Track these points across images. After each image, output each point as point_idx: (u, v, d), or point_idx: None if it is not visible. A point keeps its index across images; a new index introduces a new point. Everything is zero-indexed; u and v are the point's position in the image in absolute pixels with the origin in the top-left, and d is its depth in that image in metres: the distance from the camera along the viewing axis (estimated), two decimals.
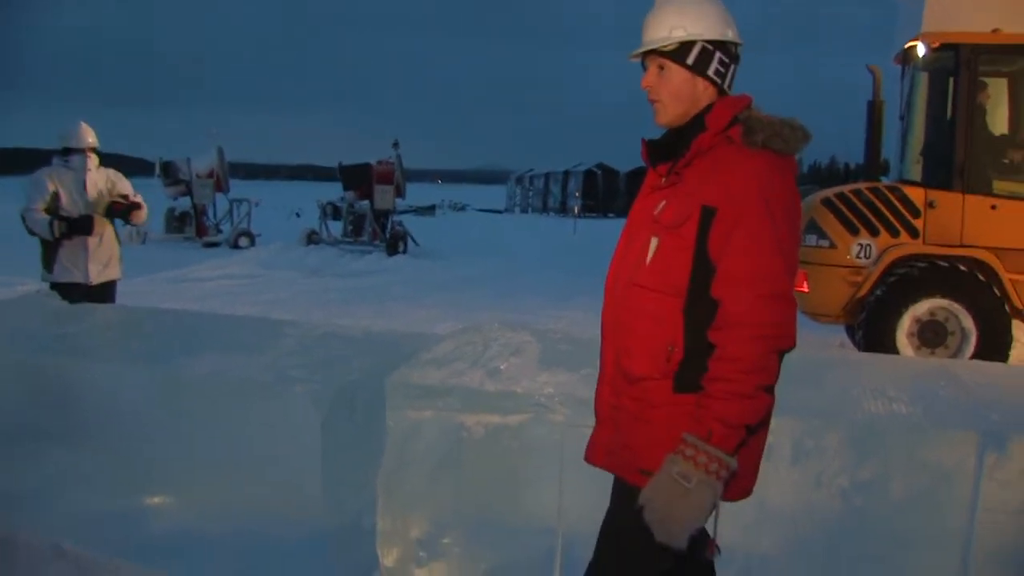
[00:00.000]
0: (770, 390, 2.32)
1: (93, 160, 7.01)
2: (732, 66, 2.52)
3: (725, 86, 2.52)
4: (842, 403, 3.68)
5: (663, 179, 2.54)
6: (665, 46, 2.49)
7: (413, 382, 3.73)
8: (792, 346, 2.33)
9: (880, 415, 3.57)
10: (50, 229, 6.73)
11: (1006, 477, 3.33)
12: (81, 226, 6.84)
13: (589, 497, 2.88)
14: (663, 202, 2.48)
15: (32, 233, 6.83)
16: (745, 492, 2.52)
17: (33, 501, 4.06)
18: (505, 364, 3.85)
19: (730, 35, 2.50)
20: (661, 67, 2.52)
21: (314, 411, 3.60)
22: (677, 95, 2.51)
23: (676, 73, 2.50)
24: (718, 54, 2.48)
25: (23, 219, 6.80)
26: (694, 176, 2.42)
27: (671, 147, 2.53)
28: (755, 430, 2.37)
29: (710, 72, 2.48)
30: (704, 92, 2.50)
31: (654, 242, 2.45)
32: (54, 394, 4.16)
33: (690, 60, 2.48)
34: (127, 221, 7.28)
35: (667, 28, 2.49)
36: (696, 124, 2.47)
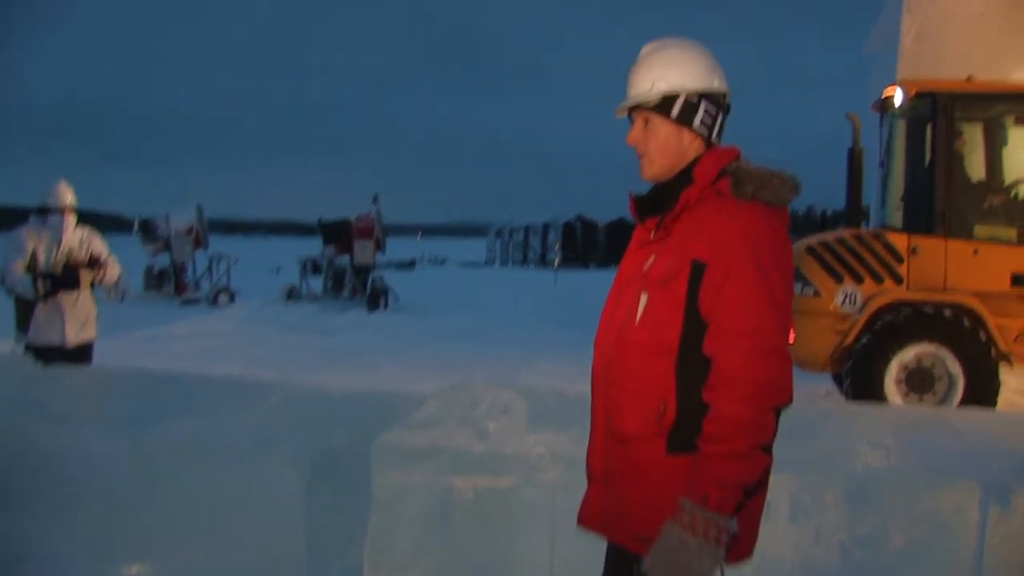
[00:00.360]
0: (768, 449, 2.23)
1: (71, 220, 6.90)
2: (720, 115, 2.47)
3: (713, 137, 2.46)
4: (839, 456, 3.62)
5: (652, 234, 2.47)
6: (648, 100, 2.44)
7: (399, 444, 3.64)
8: (788, 402, 2.24)
9: (878, 467, 3.52)
10: (34, 288, 6.60)
11: (1010, 530, 3.27)
12: (66, 280, 6.72)
13: (582, 561, 2.79)
14: (652, 257, 2.42)
15: (12, 292, 6.69)
16: (745, 554, 2.43)
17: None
18: (493, 424, 3.77)
19: (716, 85, 2.45)
20: (646, 121, 2.47)
21: (295, 476, 3.51)
22: (663, 149, 2.45)
23: (661, 126, 2.45)
24: (704, 104, 2.43)
25: (1, 279, 6.66)
26: (683, 230, 2.36)
27: (659, 201, 2.47)
28: (753, 491, 2.27)
29: (695, 124, 2.43)
30: (691, 144, 2.45)
31: (644, 298, 2.38)
32: (23, 462, 4.03)
33: (674, 113, 2.43)
34: (95, 284, 7.13)
35: (649, 81, 2.44)
36: (684, 177, 2.41)
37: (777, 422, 2.24)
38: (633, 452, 2.37)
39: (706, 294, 2.27)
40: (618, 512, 2.42)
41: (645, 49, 2.52)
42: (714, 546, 2.15)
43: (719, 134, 2.48)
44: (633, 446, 2.37)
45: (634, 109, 2.49)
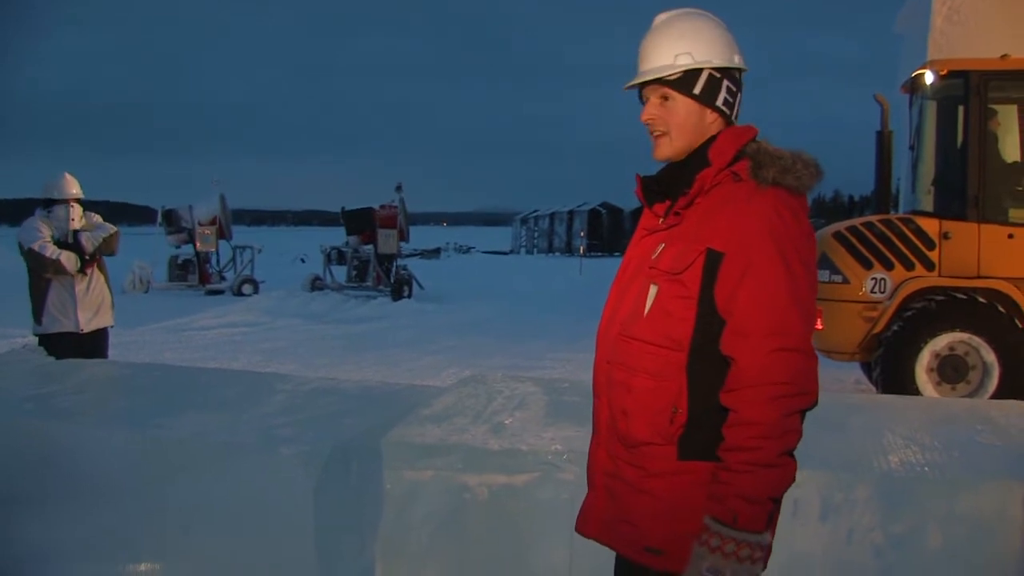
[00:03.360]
0: (793, 454, 2.06)
1: (76, 211, 6.90)
2: (739, 94, 2.29)
3: (733, 116, 2.29)
4: (872, 452, 3.46)
5: (661, 219, 2.29)
6: (669, 75, 2.25)
7: (412, 440, 3.53)
8: (814, 404, 2.07)
9: (913, 464, 3.36)
10: (80, 261, 6.68)
11: None
12: (77, 247, 6.77)
13: (602, 564, 2.64)
14: (662, 245, 2.23)
15: (49, 271, 6.64)
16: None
17: (6, 573, 3.82)
18: (510, 419, 3.64)
19: (736, 60, 2.28)
20: (665, 97, 2.27)
21: (304, 474, 3.38)
22: (683, 128, 2.26)
23: (683, 104, 2.25)
24: (726, 82, 2.25)
25: (36, 258, 6.60)
26: (696, 216, 2.18)
27: (668, 184, 2.30)
28: (780, 501, 2.10)
29: (719, 102, 2.25)
30: (712, 124, 2.26)
31: (653, 290, 2.19)
32: (29, 458, 3.94)
33: (697, 89, 2.24)
34: (108, 252, 7.09)
35: (671, 55, 2.25)
36: (698, 158, 2.23)
37: (802, 425, 2.07)
38: (639, 458, 2.20)
39: (723, 288, 2.09)
40: (623, 522, 2.25)
41: (660, 18, 2.33)
42: (749, 565, 1.99)
43: (738, 114, 2.31)
44: (640, 452, 2.20)
45: (648, 84, 2.29)
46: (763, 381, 2.00)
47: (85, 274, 6.79)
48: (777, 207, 2.10)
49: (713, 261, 2.10)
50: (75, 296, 6.74)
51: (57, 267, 6.62)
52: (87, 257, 6.81)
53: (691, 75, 2.24)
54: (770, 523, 2.04)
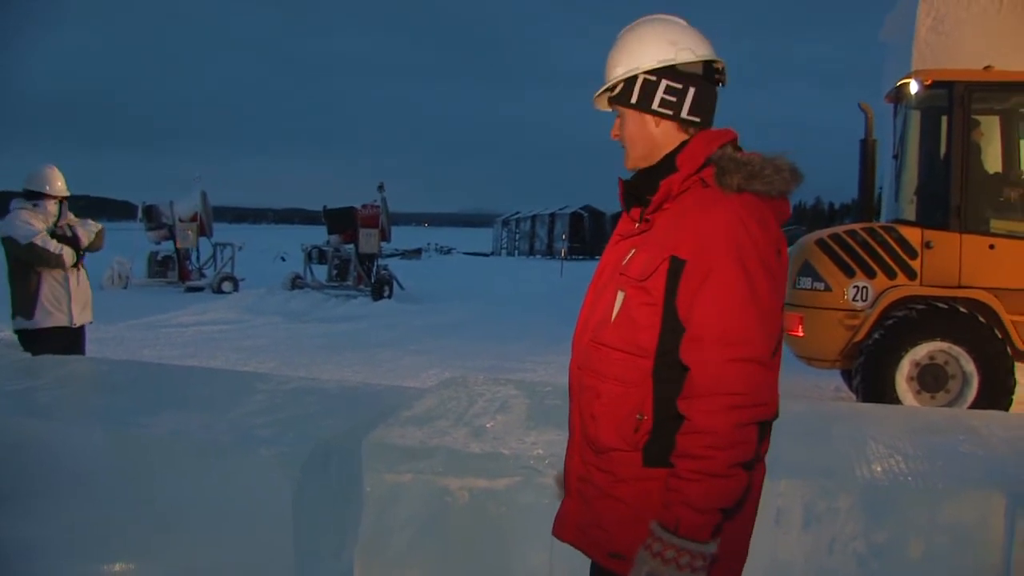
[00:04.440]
0: (748, 466, 2.02)
1: (64, 208, 6.83)
2: (690, 89, 2.21)
3: (684, 114, 2.21)
4: (854, 461, 3.45)
5: (636, 224, 2.27)
6: (613, 91, 2.27)
7: (392, 442, 3.49)
8: (772, 416, 2.05)
9: (896, 473, 3.35)
10: (76, 255, 6.68)
11: None
12: (73, 241, 6.75)
13: (580, 566, 2.61)
14: (632, 251, 2.21)
15: (49, 265, 6.57)
16: (733, 574, 2.23)
17: None
18: (491, 422, 3.61)
19: (675, 56, 2.22)
20: (619, 112, 2.29)
21: (283, 475, 3.34)
22: (633, 139, 2.27)
23: (628, 116, 2.26)
24: (665, 82, 2.20)
25: (38, 252, 6.50)
26: (664, 223, 2.15)
27: (641, 189, 2.27)
28: (734, 511, 2.08)
29: (655, 105, 2.21)
30: (659, 128, 2.24)
31: (620, 296, 2.17)
32: (6, 454, 3.88)
33: (633, 98, 2.23)
34: (96, 248, 7.03)
35: (610, 69, 2.28)
36: (667, 165, 2.20)
37: (762, 437, 2.04)
38: (607, 463, 2.18)
39: (684, 296, 2.07)
40: (594, 526, 2.24)
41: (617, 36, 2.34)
42: (689, 573, 1.96)
43: (696, 110, 2.22)
44: (608, 457, 2.18)
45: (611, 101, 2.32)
46: (717, 391, 1.98)
47: (79, 268, 6.77)
48: (741, 215, 2.07)
49: (676, 268, 2.08)
50: (69, 290, 6.70)
51: (59, 261, 6.57)
52: (82, 252, 6.79)
53: (628, 85, 2.24)
54: (716, 534, 2.01)
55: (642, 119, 2.24)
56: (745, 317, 2.01)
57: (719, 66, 2.27)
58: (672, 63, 2.21)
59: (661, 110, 2.21)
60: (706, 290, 2.03)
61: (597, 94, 2.33)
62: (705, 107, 2.24)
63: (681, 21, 2.29)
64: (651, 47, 2.22)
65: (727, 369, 1.98)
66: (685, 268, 2.06)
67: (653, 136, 2.24)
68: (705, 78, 2.24)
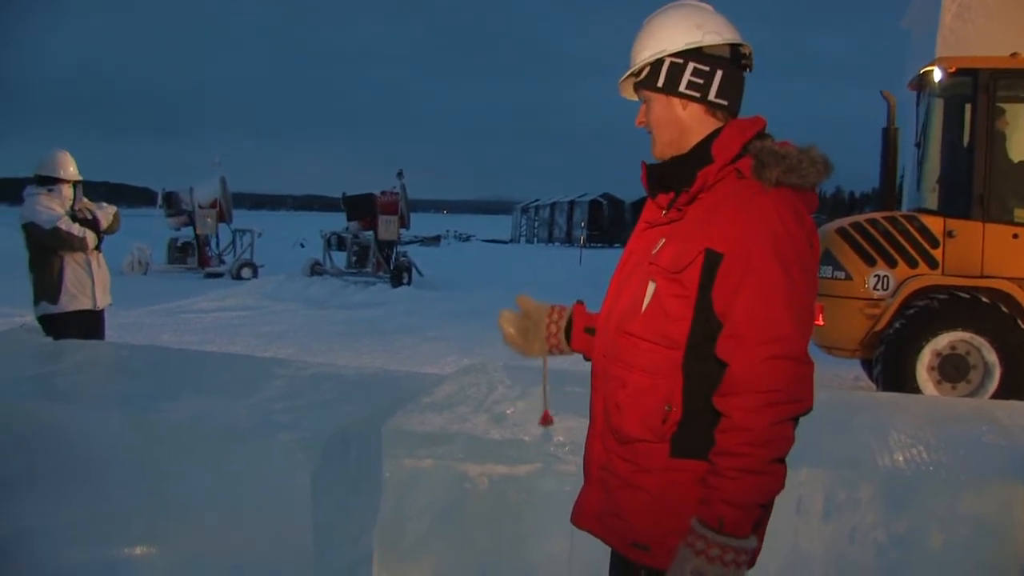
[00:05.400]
0: (783, 461, 2.03)
1: (79, 192, 6.89)
2: (717, 72, 2.20)
3: (711, 96, 2.20)
4: (876, 450, 3.43)
5: (663, 212, 2.25)
6: (638, 75, 2.26)
7: (412, 428, 3.49)
8: (807, 411, 2.04)
9: (917, 463, 3.33)
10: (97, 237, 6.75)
11: None
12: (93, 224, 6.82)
13: (601, 555, 2.60)
14: (662, 240, 2.19)
15: (74, 248, 6.62)
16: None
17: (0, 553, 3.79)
18: (511, 408, 3.61)
19: (702, 38, 2.20)
20: (645, 98, 2.28)
21: (302, 460, 3.34)
22: (660, 123, 2.25)
23: (655, 100, 2.25)
24: (692, 64, 2.19)
25: (62, 236, 6.54)
26: (698, 214, 2.13)
27: (671, 177, 2.25)
28: (770, 506, 2.08)
29: (682, 87, 2.20)
30: (686, 112, 2.22)
31: (651, 287, 2.16)
32: (25, 439, 3.89)
33: (660, 82, 2.22)
34: (112, 231, 7.10)
35: (635, 54, 2.27)
36: (701, 153, 2.18)
37: (794, 432, 2.04)
38: (632, 453, 2.17)
39: (721, 290, 2.06)
40: (614, 515, 2.24)
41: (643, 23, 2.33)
42: (734, 569, 1.97)
43: (723, 92, 2.21)
44: (632, 447, 2.17)
45: (636, 88, 2.30)
46: (756, 388, 1.98)
47: (99, 251, 6.83)
48: (779, 209, 2.06)
49: (712, 262, 2.07)
50: (92, 273, 6.76)
51: (83, 244, 6.62)
52: (101, 234, 6.85)
53: (655, 69, 2.22)
54: (756, 528, 2.02)
55: (669, 102, 2.23)
56: (784, 314, 2.01)
57: (746, 51, 2.25)
58: (699, 45, 2.20)
59: (688, 92, 2.20)
60: (745, 287, 2.02)
61: (622, 79, 2.33)
62: (733, 90, 2.23)
63: (707, 6, 2.27)
64: (678, 30, 2.21)
65: (766, 366, 1.98)
66: (723, 262, 2.05)
67: (681, 119, 2.23)
68: (732, 62, 2.23)
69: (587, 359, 2.49)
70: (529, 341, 2.66)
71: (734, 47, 2.23)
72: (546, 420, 2.73)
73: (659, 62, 2.21)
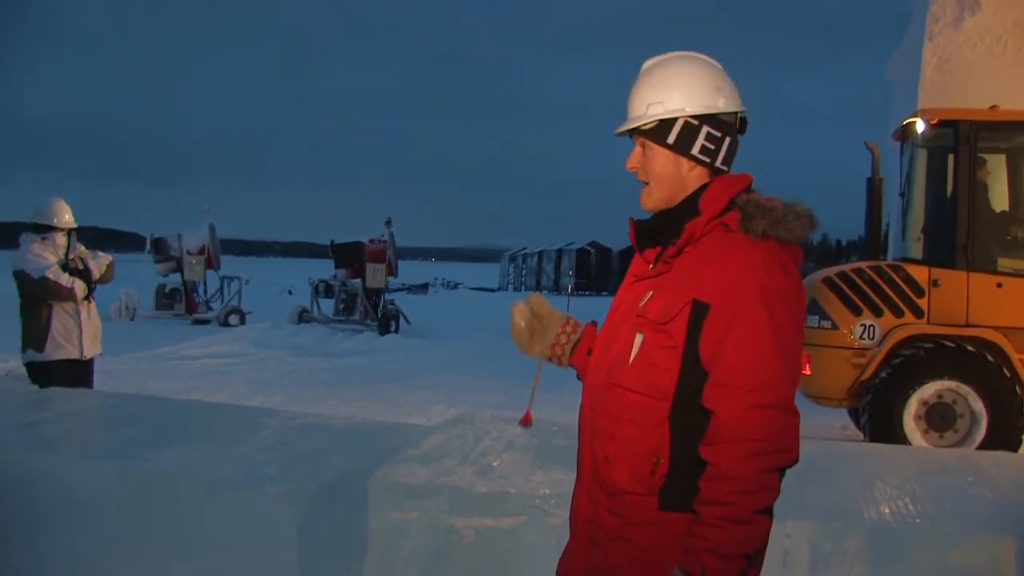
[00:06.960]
0: (770, 512, 2.02)
1: (72, 240, 6.84)
2: (727, 139, 2.22)
3: (718, 163, 2.22)
4: (862, 502, 3.43)
5: (651, 266, 2.26)
6: (644, 124, 2.23)
7: (399, 480, 3.48)
8: (794, 462, 2.04)
9: (904, 515, 3.32)
10: (87, 288, 6.67)
11: None
12: (85, 275, 6.76)
13: None
14: (649, 293, 2.20)
15: (63, 298, 6.57)
16: None
17: None
18: (497, 460, 3.60)
19: (721, 105, 2.21)
20: (644, 145, 2.26)
21: (288, 512, 3.32)
22: (659, 178, 2.24)
23: (659, 153, 2.23)
24: (705, 128, 2.20)
25: (50, 286, 6.49)
26: (685, 266, 2.14)
27: (659, 231, 2.26)
28: (755, 557, 2.06)
29: (695, 151, 2.20)
30: (691, 172, 2.22)
31: (639, 339, 2.16)
32: (11, 487, 3.86)
33: (671, 139, 2.20)
34: (106, 280, 7.04)
35: (645, 104, 2.23)
36: (689, 207, 2.20)
37: (780, 482, 2.04)
38: (620, 506, 2.16)
39: (707, 340, 2.06)
40: (605, 570, 2.21)
41: (645, 65, 2.30)
42: None
43: (727, 159, 2.24)
44: (621, 500, 2.16)
45: (633, 131, 2.28)
46: (742, 436, 1.98)
47: (90, 301, 6.78)
48: (766, 260, 2.08)
49: (699, 312, 2.07)
50: (80, 322, 6.70)
51: (71, 295, 6.57)
52: (93, 284, 6.80)
53: (666, 124, 2.21)
54: None
55: (677, 161, 2.22)
56: (771, 363, 2.01)
57: (743, 115, 2.27)
58: (717, 111, 2.21)
59: (701, 156, 2.20)
60: (732, 336, 2.03)
61: (624, 128, 2.28)
62: (733, 156, 2.25)
63: (718, 64, 2.28)
64: (698, 91, 2.21)
65: (752, 415, 1.98)
66: (709, 312, 2.06)
67: (684, 180, 2.23)
68: (739, 129, 2.26)
69: (579, 378, 2.49)
70: (532, 341, 2.65)
71: (736, 115, 2.25)
72: (526, 421, 2.74)
73: (672, 119, 2.20)
